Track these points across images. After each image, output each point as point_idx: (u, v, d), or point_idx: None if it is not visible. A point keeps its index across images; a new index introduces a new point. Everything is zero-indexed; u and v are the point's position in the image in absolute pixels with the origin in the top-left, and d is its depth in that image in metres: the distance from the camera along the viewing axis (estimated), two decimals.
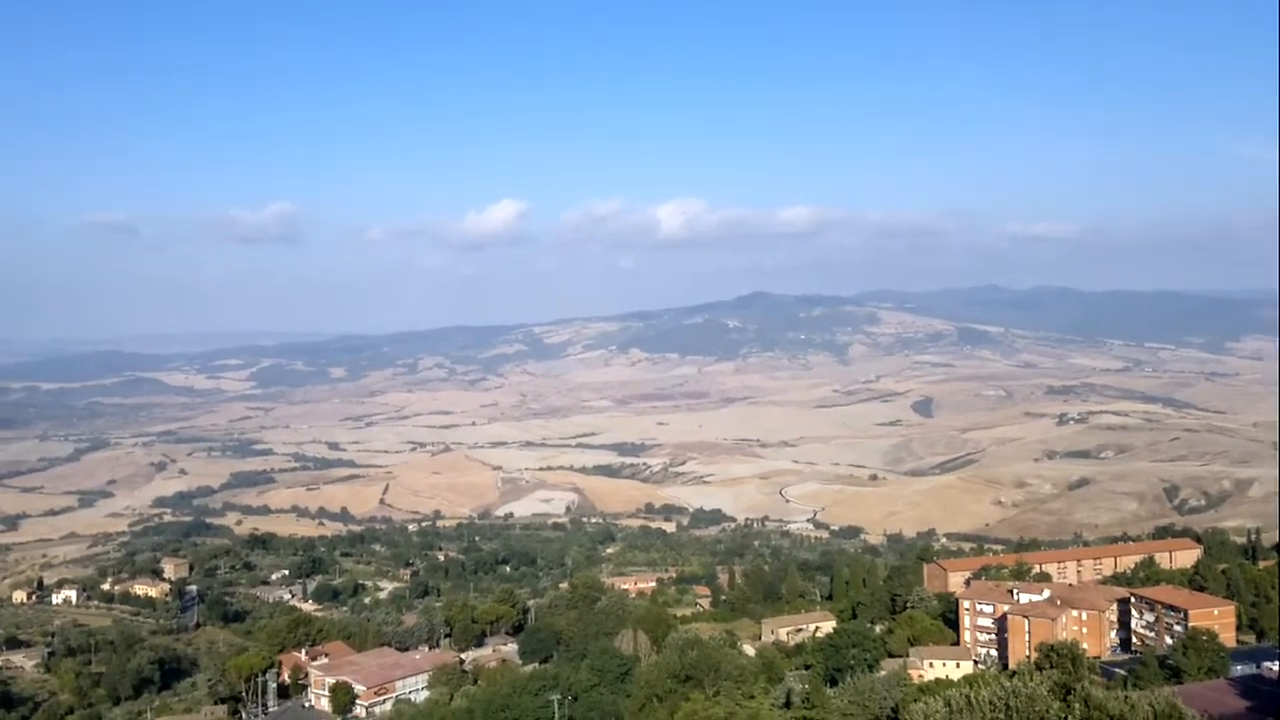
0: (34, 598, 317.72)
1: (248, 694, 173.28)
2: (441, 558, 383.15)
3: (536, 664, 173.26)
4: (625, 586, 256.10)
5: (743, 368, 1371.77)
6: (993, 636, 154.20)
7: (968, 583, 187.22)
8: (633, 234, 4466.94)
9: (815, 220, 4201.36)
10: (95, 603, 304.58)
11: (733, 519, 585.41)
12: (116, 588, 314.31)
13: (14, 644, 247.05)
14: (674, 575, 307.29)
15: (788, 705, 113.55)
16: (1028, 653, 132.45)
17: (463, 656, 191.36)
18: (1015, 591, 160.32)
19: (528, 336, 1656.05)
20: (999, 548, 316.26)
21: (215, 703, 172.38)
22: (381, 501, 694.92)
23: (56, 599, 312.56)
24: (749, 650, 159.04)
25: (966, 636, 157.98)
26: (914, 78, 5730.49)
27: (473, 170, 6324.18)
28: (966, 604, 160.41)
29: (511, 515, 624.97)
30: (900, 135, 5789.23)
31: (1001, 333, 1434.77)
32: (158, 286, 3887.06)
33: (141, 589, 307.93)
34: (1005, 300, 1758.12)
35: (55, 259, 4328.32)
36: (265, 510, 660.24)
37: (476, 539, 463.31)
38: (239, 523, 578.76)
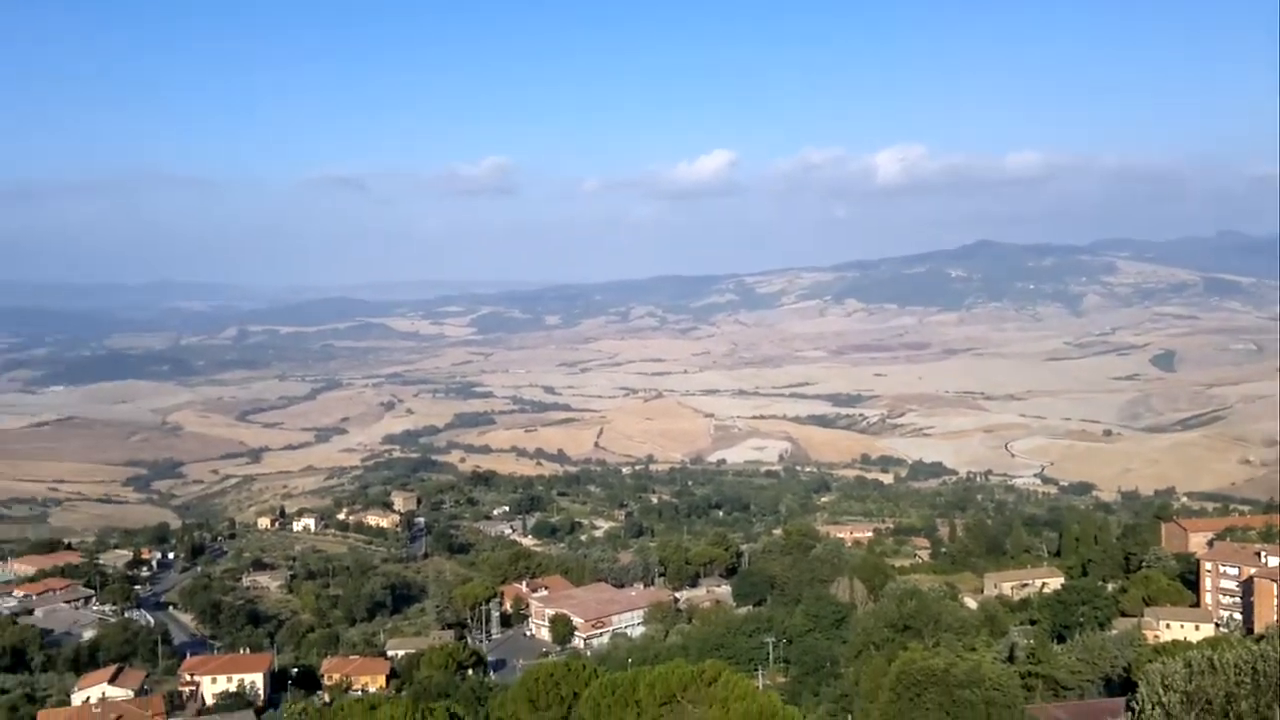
0: (277, 525, 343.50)
1: (472, 621, 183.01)
2: (655, 500, 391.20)
3: (750, 606, 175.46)
4: (841, 535, 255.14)
5: (966, 318, 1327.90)
6: (1236, 600, 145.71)
7: (1210, 544, 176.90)
8: (848, 182, 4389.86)
9: (1045, 166, 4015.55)
10: (331, 531, 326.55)
11: (954, 472, 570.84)
12: (350, 518, 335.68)
13: (260, 566, 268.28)
14: (891, 526, 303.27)
15: (1011, 660, 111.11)
16: (1275, 617, 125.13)
17: (677, 596, 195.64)
18: (1263, 554, 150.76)
19: (739, 286, 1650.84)
20: (1246, 509, 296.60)
21: (443, 628, 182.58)
22: (596, 444, 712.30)
23: (297, 526, 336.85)
24: (970, 603, 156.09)
25: (1207, 599, 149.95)
26: (1147, 13, 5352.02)
27: (684, 121, 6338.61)
28: (1208, 565, 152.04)
29: (724, 462, 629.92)
30: (1132, 77, 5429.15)
31: (1253, 283, 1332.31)
32: (385, 237, 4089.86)
33: (373, 519, 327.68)
34: (1247, 246, 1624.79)
35: (293, 212, 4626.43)
36: (486, 449, 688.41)
37: (689, 483, 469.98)
38: (462, 460, 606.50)
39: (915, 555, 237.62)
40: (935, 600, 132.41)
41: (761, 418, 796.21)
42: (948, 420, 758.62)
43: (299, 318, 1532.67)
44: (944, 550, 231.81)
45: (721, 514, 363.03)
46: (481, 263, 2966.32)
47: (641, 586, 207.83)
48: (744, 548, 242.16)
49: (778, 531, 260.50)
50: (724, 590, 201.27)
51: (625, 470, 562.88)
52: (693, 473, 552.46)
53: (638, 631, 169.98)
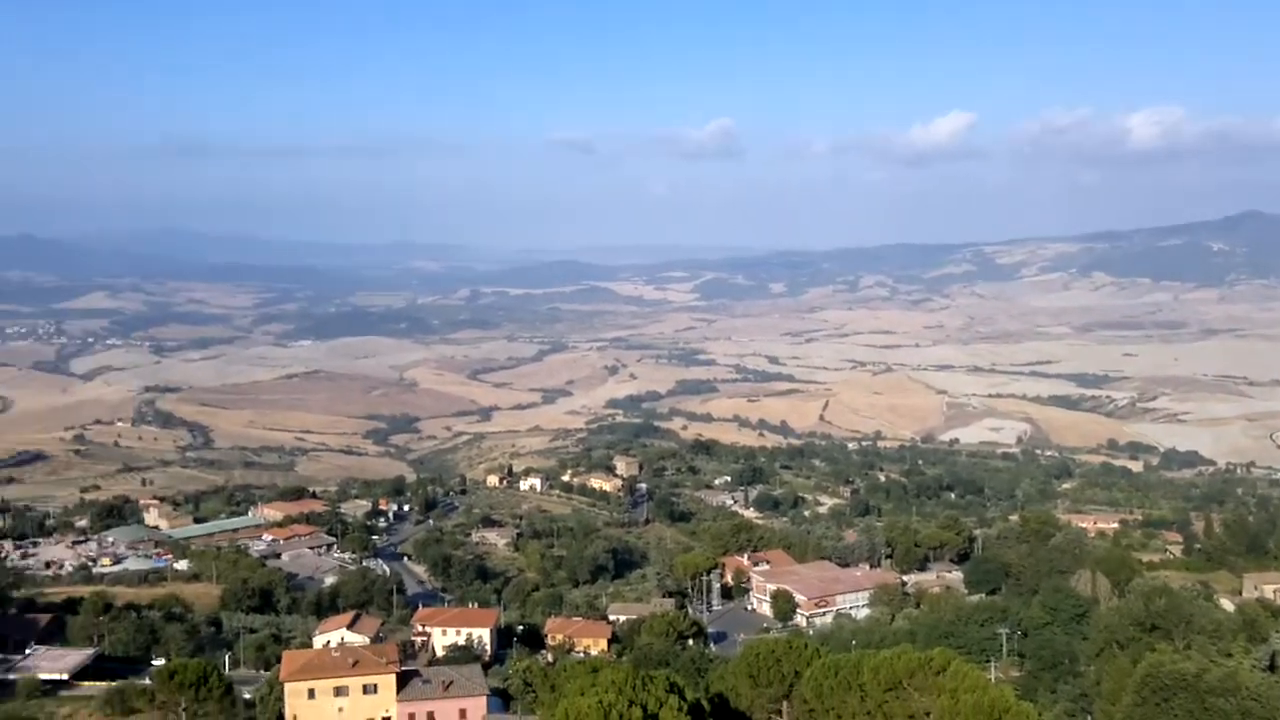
0: (505, 483, 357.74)
1: (693, 590, 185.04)
2: (882, 478, 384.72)
3: (983, 595, 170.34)
4: (1083, 525, 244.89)
5: (1229, 296, 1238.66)
6: None
7: None
8: (1097, 147, 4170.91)
9: None
10: (556, 492, 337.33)
11: (1211, 462, 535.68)
12: (575, 479, 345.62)
13: (488, 523, 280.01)
14: (1139, 518, 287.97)
15: (1272, 669, 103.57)
16: None
17: (904, 579, 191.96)
18: None
19: (977, 256, 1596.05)
20: None
21: (663, 595, 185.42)
22: (821, 418, 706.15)
23: (523, 485, 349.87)
24: (1227, 605, 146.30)
25: None
26: None
27: (917, 82, 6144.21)
28: None
29: (956, 441, 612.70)
30: None
31: None
32: (610, 201, 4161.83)
33: (597, 483, 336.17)
34: None
35: (525, 176, 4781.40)
36: (708, 418, 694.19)
37: (919, 462, 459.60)
38: (684, 428, 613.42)
39: (1165, 550, 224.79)
40: (1187, 600, 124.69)
41: (998, 396, 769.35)
42: (1205, 406, 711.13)
43: (528, 280, 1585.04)
44: (1198, 547, 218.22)
45: (953, 496, 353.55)
46: (705, 227, 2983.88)
47: (867, 567, 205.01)
48: (977, 533, 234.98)
49: (1014, 517, 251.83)
50: (954, 576, 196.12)
51: (851, 446, 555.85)
52: (923, 451, 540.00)
53: (862, 613, 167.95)
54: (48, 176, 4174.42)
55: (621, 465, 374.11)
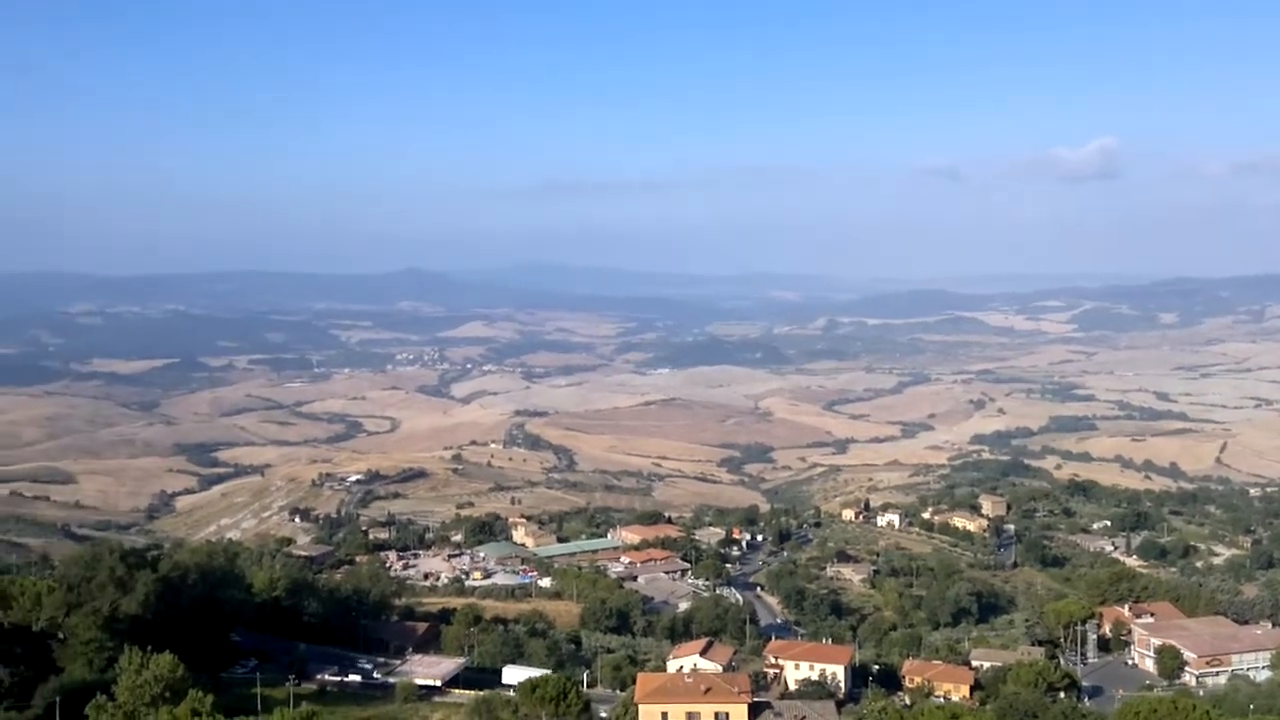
0: (860, 518, 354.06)
1: (1065, 640, 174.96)
2: None
3: None
4: None
5: None
6: None
7: None
8: None
9: None
10: (915, 529, 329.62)
11: None
12: (935, 518, 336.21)
13: (844, 558, 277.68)
14: None
15: None
16: None
17: None
18: None
19: None
20: None
21: (1032, 644, 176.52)
22: (1218, 460, 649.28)
23: (880, 521, 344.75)
24: None
25: None
26: None
27: None
28: None
29: None
30: None
31: None
32: (977, 228, 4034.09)
33: (959, 522, 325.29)
34: None
35: (886, 204, 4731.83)
36: (1085, 457, 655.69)
37: None
38: (1058, 467, 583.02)
39: None
40: None
41: None
42: None
43: (887, 309, 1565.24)
44: None
45: None
46: (1083, 254, 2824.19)
47: (1269, 625, 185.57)
48: None
49: None
50: None
51: (1254, 491, 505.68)
52: None
53: (1262, 675, 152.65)
54: (430, 215, 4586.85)
55: (987, 504, 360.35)
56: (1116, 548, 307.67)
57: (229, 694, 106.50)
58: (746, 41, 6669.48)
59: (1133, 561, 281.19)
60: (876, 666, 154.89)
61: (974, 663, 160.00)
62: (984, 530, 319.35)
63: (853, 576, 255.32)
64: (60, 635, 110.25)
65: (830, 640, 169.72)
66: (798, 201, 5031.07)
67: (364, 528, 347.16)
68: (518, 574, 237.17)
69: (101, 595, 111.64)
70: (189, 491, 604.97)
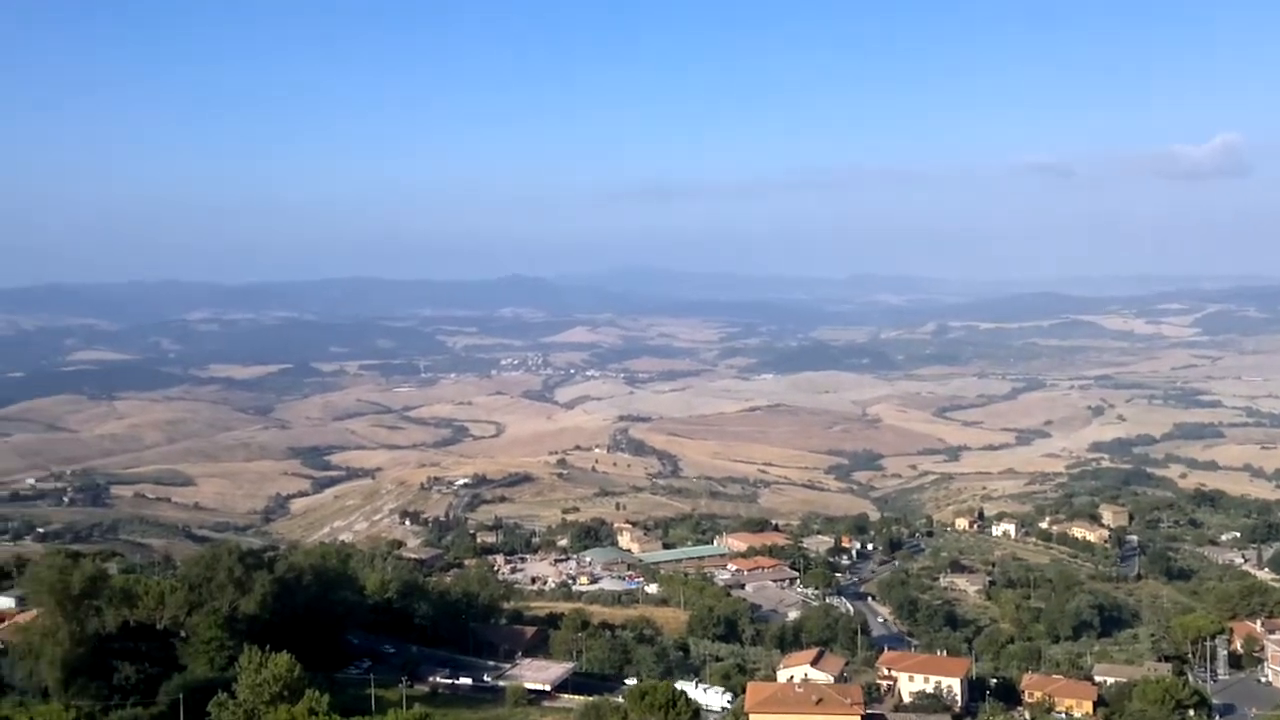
0: (975, 527, 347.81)
1: (1194, 656, 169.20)
2: None
3: None
4: None
5: None
6: None
7: None
8: None
9: None
10: (1033, 540, 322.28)
11: None
12: (1053, 527, 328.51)
13: (957, 568, 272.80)
14: None
15: None
16: None
17: None
18: None
19: None
20: None
21: (1158, 659, 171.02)
22: None
23: (995, 531, 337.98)
24: None
25: None
26: None
27: None
28: None
29: None
30: None
31: None
32: (1092, 228, 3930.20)
33: (1079, 532, 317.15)
34: None
35: (992, 204, 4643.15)
36: (1212, 465, 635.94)
37: None
38: (1183, 476, 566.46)
39: None
40: None
41: None
42: None
43: (999, 313, 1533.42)
44: None
45: None
46: (1207, 254, 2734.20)
47: None
48: None
49: None
50: None
51: None
52: None
53: None
54: (531, 222, 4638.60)
55: (1108, 514, 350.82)
56: (1246, 560, 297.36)
57: (343, 694, 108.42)
58: (855, 41, 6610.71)
59: (1264, 575, 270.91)
60: (994, 680, 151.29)
61: (1097, 678, 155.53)
62: (1105, 541, 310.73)
63: (967, 587, 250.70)
64: (182, 633, 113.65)
65: (944, 652, 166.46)
66: (903, 203, 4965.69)
67: (472, 531, 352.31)
68: (624, 579, 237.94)
69: (221, 595, 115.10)
70: (303, 494, 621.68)
